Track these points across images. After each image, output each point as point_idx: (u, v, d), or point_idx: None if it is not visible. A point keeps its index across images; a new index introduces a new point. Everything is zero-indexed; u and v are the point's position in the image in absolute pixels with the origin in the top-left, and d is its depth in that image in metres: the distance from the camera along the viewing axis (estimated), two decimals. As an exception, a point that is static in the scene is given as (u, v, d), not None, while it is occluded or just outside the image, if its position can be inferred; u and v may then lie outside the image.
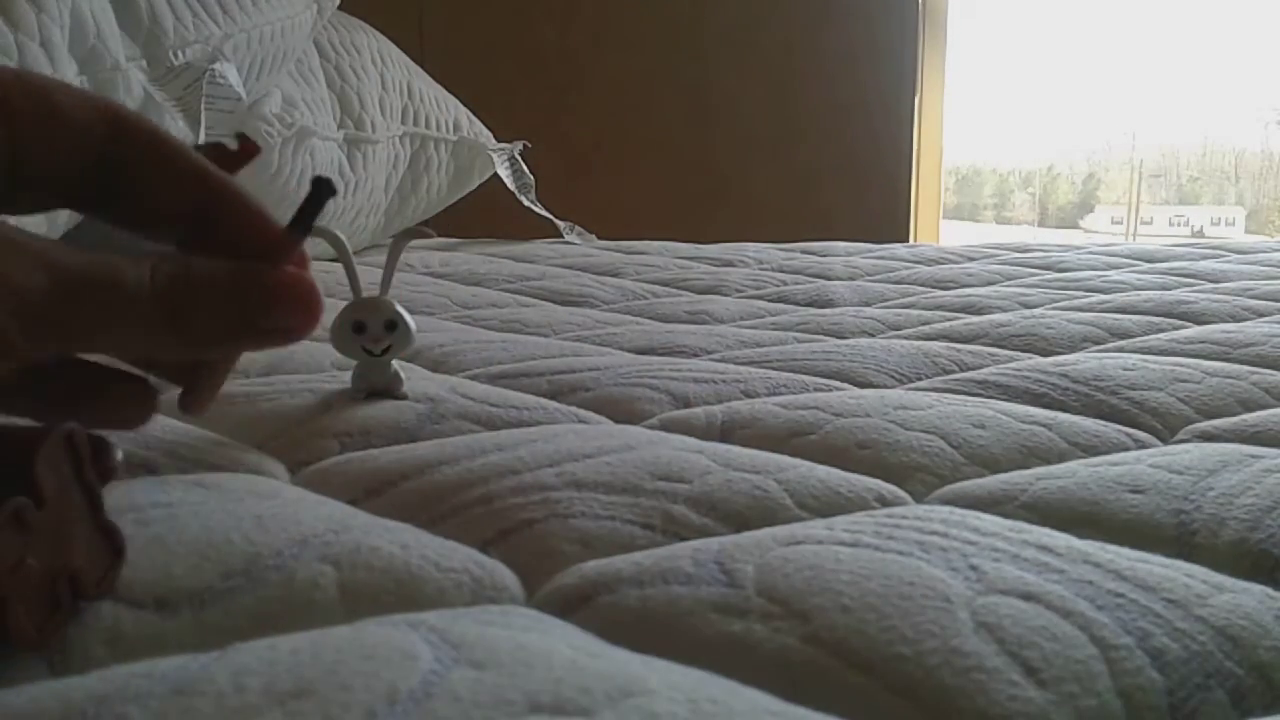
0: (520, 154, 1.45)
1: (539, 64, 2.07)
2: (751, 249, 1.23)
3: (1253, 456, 0.38)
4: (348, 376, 0.47)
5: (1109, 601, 0.26)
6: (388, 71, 1.27)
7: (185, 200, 0.29)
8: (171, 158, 0.29)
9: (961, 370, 0.57)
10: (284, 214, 0.30)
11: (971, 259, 1.13)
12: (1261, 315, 0.74)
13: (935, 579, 0.26)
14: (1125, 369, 0.53)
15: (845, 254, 1.18)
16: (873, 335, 0.69)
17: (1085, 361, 0.55)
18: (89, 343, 0.26)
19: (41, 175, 0.28)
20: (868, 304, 0.84)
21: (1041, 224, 3.51)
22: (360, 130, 1.16)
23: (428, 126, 1.31)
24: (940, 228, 2.23)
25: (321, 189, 0.30)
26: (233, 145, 0.34)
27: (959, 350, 0.61)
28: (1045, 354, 0.62)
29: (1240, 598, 0.27)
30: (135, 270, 0.26)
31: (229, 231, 0.29)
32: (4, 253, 0.24)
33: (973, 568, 0.27)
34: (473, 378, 0.54)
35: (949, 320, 0.73)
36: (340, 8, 1.20)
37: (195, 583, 0.26)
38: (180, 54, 0.81)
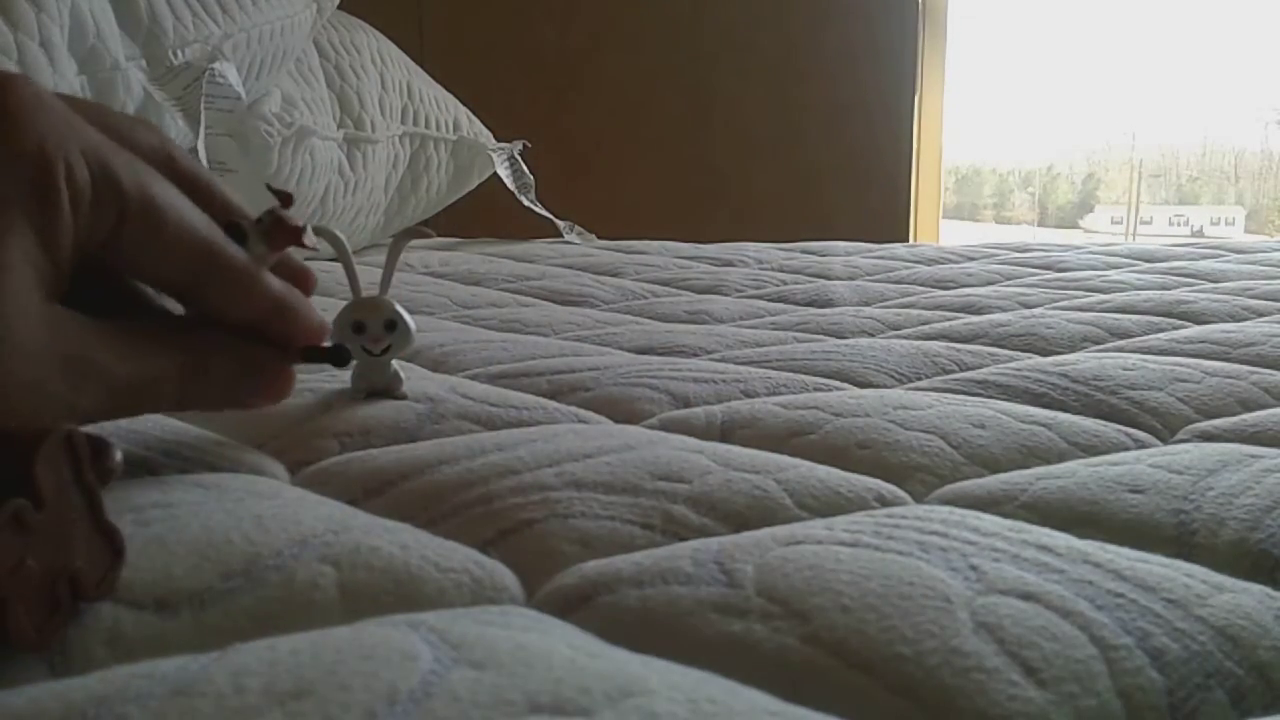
0: (520, 154, 1.45)
1: (539, 64, 2.07)
2: (751, 249, 1.23)
3: (1253, 456, 0.38)
4: (348, 376, 0.47)
5: (1109, 601, 0.26)
6: (388, 71, 1.27)
7: (250, 321, 0.35)
8: (248, 293, 0.34)
9: (961, 370, 0.57)
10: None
11: (971, 259, 1.13)
12: (1261, 315, 0.74)
13: (935, 579, 0.26)
14: (1125, 369, 0.53)
15: (845, 254, 1.19)
16: (873, 335, 0.69)
17: (1085, 361, 0.55)
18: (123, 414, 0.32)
19: (132, 268, 0.32)
20: (868, 304, 0.84)
21: (1041, 224, 3.51)
22: (360, 130, 1.16)
23: (427, 126, 1.31)
24: (940, 227, 2.23)
25: (340, 356, 0.38)
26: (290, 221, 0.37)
27: (959, 350, 0.61)
28: (1045, 354, 0.62)
29: (1240, 598, 0.27)
30: (166, 366, 0.32)
31: (280, 340, 0.36)
32: (78, 386, 0.28)
33: (973, 568, 0.27)
34: (472, 377, 0.54)
35: (949, 320, 0.73)
36: (340, 7, 1.20)
37: (195, 583, 0.26)
38: (180, 53, 0.81)
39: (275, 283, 0.35)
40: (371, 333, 0.44)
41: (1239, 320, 0.72)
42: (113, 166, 0.29)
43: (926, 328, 0.70)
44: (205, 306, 0.34)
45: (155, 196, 0.30)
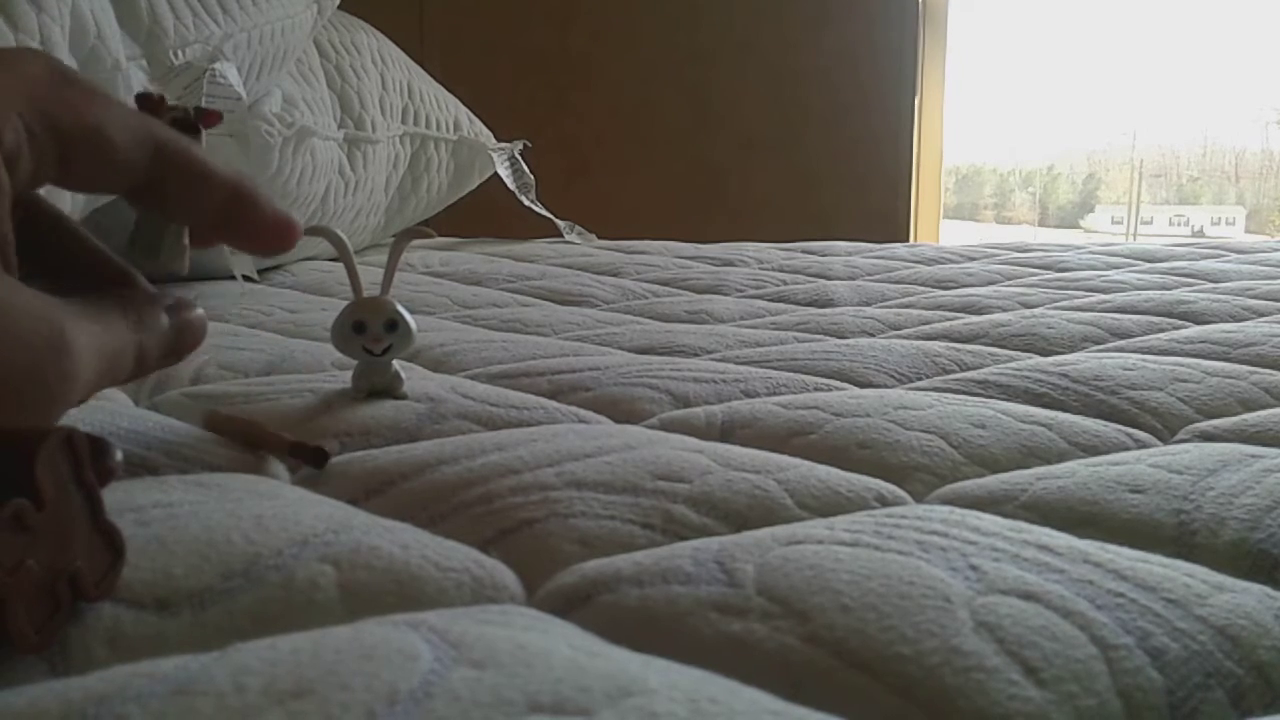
0: (520, 154, 1.45)
1: (539, 64, 2.07)
2: (751, 249, 1.23)
3: (1253, 456, 0.38)
4: (348, 376, 0.47)
5: (1109, 601, 0.26)
6: (388, 71, 1.27)
7: (211, 211, 0.34)
8: (204, 177, 0.33)
9: (961, 370, 0.57)
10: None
11: (971, 259, 1.13)
12: (1261, 315, 0.74)
13: (935, 579, 0.26)
14: (1125, 369, 0.53)
15: (845, 254, 1.19)
16: (873, 335, 0.69)
17: (1085, 361, 0.55)
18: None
19: (88, 190, 0.32)
20: (868, 304, 0.84)
21: (1041, 224, 3.51)
22: (360, 130, 1.16)
23: (428, 126, 1.31)
24: (940, 227, 2.23)
25: (319, 458, 0.38)
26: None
27: (959, 350, 0.61)
28: (1045, 354, 0.62)
29: (1240, 597, 0.27)
30: (134, 344, 0.32)
31: (248, 229, 0.35)
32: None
33: (973, 567, 0.27)
34: (473, 377, 0.54)
35: (949, 320, 0.73)
36: (340, 7, 1.20)
37: (195, 583, 0.26)
38: (180, 53, 0.81)
39: (228, 170, 0.34)
40: (372, 333, 0.44)
41: (1239, 320, 0.72)
42: (50, 111, 0.29)
43: (927, 328, 0.70)
44: (167, 204, 0.33)
45: (98, 122, 0.30)
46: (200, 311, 0.36)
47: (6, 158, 0.28)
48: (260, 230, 0.35)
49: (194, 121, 0.37)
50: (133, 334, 0.31)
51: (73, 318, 0.28)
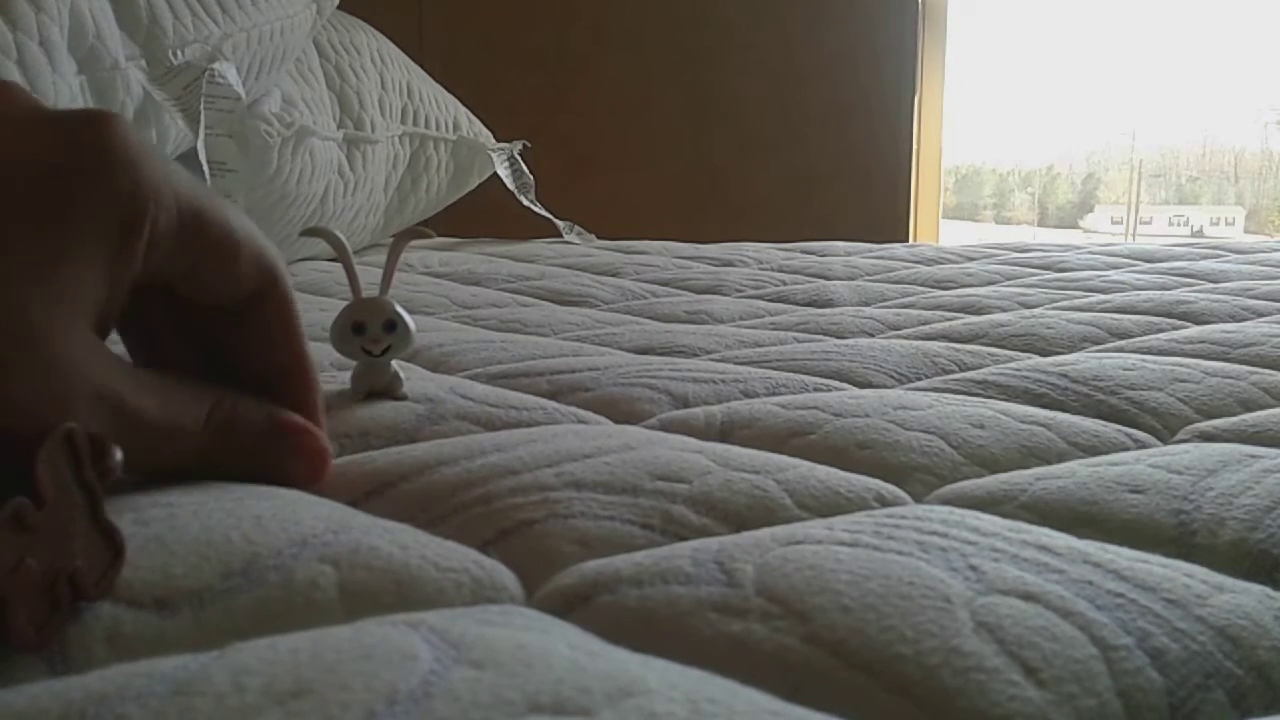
0: (520, 154, 1.45)
1: (539, 64, 2.07)
2: (751, 249, 1.23)
3: (1252, 456, 0.38)
4: (346, 377, 0.47)
5: (1109, 601, 0.26)
6: (387, 71, 1.27)
7: (268, 365, 0.35)
8: (290, 335, 0.35)
9: (961, 370, 0.57)
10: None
11: (971, 259, 1.13)
12: (1261, 315, 0.74)
13: (935, 579, 0.26)
14: (1125, 369, 0.53)
15: (845, 254, 1.19)
16: (872, 335, 0.69)
17: (1085, 361, 0.55)
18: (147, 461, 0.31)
19: (195, 300, 0.33)
20: (867, 304, 0.84)
21: (1041, 224, 3.51)
22: (360, 130, 1.16)
23: (427, 126, 1.31)
24: (940, 228, 2.23)
25: None
26: None
27: (958, 350, 0.61)
28: (1045, 354, 0.62)
29: (1240, 598, 0.27)
30: (194, 414, 0.32)
31: (287, 397, 0.35)
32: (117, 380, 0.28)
33: (972, 568, 0.27)
34: (472, 378, 0.53)
35: (948, 320, 0.73)
36: (340, 7, 1.20)
37: (195, 582, 0.26)
38: (179, 53, 0.81)
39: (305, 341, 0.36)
40: (371, 333, 0.44)
41: (1239, 320, 0.72)
42: (202, 207, 0.31)
43: (926, 328, 0.70)
44: (254, 328, 0.34)
45: (232, 227, 0.32)
46: (324, 447, 0.35)
47: (152, 241, 0.29)
48: (306, 398, 0.35)
49: None
50: (202, 409, 0.32)
51: (129, 376, 0.29)
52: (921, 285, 0.94)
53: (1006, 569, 0.27)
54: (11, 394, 0.26)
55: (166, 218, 0.29)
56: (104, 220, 0.28)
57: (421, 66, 1.41)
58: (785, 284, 0.95)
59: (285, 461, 0.34)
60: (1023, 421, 0.44)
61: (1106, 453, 0.41)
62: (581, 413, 0.46)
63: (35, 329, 0.26)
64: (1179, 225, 3.45)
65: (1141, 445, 0.43)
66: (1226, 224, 3.43)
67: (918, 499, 0.37)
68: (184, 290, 0.32)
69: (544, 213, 1.45)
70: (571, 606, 0.27)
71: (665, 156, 2.07)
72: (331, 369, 0.54)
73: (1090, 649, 0.24)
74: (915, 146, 2.07)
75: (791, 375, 0.54)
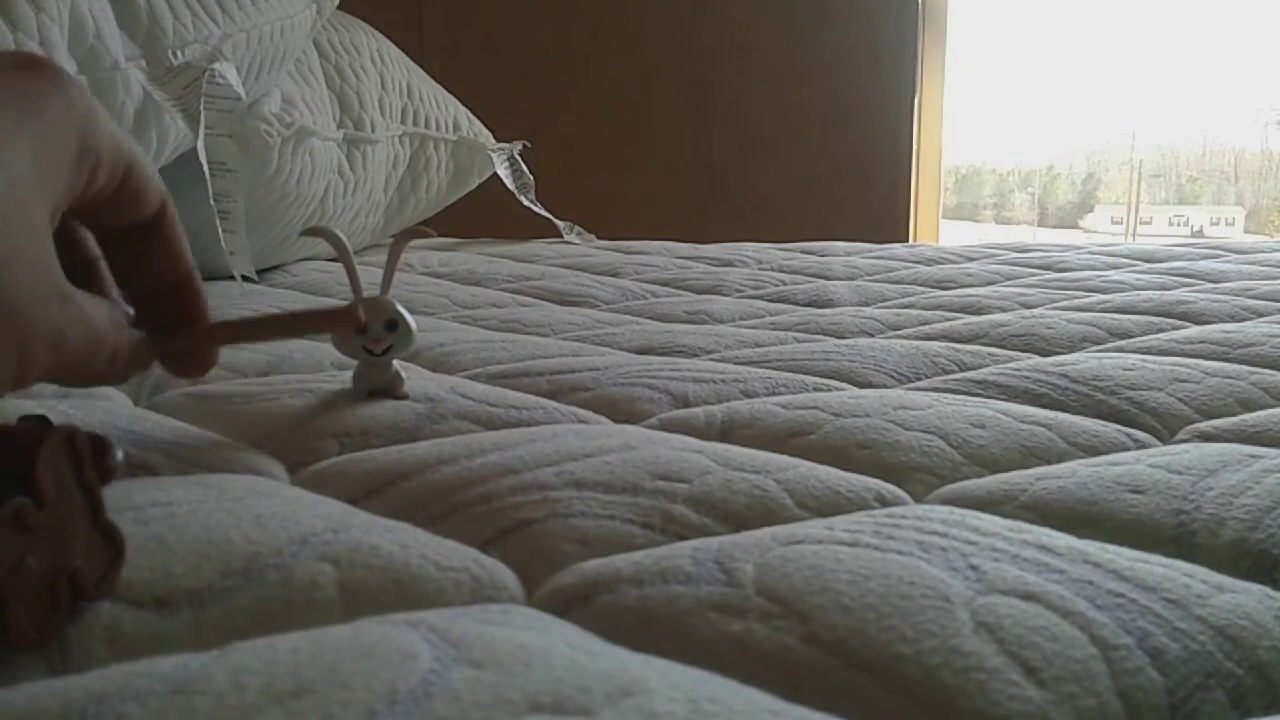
0: (520, 154, 1.45)
1: (539, 64, 2.07)
2: (751, 249, 1.23)
3: (1252, 456, 0.38)
4: (348, 376, 0.47)
5: (1109, 601, 0.26)
6: (387, 71, 1.27)
7: (163, 281, 0.36)
8: (175, 251, 0.36)
9: (961, 370, 0.57)
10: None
11: (971, 259, 1.13)
12: (1261, 315, 0.74)
13: (935, 579, 0.26)
14: (1125, 369, 0.53)
15: (845, 254, 1.19)
16: (872, 335, 0.69)
17: (1085, 361, 0.55)
18: (69, 379, 0.33)
19: (100, 227, 0.35)
20: (867, 304, 0.84)
21: (1041, 224, 3.51)
22: (360, 130, 1.16)
23: (427, 126, 1.31)
24: (940, 228, 2.23)
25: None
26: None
27: (958, 350, 0.61)
28: (1045, 354, 0.62)
29: (1240, 598, 0.27)
30: (116, 328, 0.33)
31: (176, 311, 0.37)
32: (69, 318, 0.29)
33: (972, 568, 0.27)
34: (472, 377, 0.53)
35: (948, 320, 0.73)
36: (340, 7, 1.20)
37: (195, 582, 0.26)
38: (179, 53, 0.81)
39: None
40: (372, 333, 0.44)
41: (1239, 320, 0.72)
42: (119, 141, 0.32)
43: (926, 328, 0.70)
44: (150, 251, 0.36)
45: (137, 153, 0.34)
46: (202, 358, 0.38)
47: (95, 165, 0.31)
48: (183, 316, 0.37)
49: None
50: (115, 336, 0.33)
51: (73, 310, 0.30)
52: (921, 285, 0.94)
53: (1006, 569, 0.27)
54: (13, 288, 0.26)
55: (108, 144, 0.31)
56: (68, 124, 0.29)
57: (421, 66, 1.41)
58: (785, 284, 0.95)
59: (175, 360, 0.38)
60: (1023, 421, 0.44)
61: (1106, 453, 0.41)
62: (581, 412, 0.46)
63: (36, 228, 0.27)
64: (1179, 225, 3.45)
65: (1141, 445, 0.43)
66: (1226, 224, 3.43)
67: (918, 499, 0.37)
68: (103, 218, 0.34)
69: (544, 213, 1.45)
70: (571, 606, 0.27)
71: (665, 156, 2.07)
72: (332, 368, 0.54)
73: (1090, 649, 0.24)
74: (915, 146, 2.07)
75: (791, 375, 0.54)
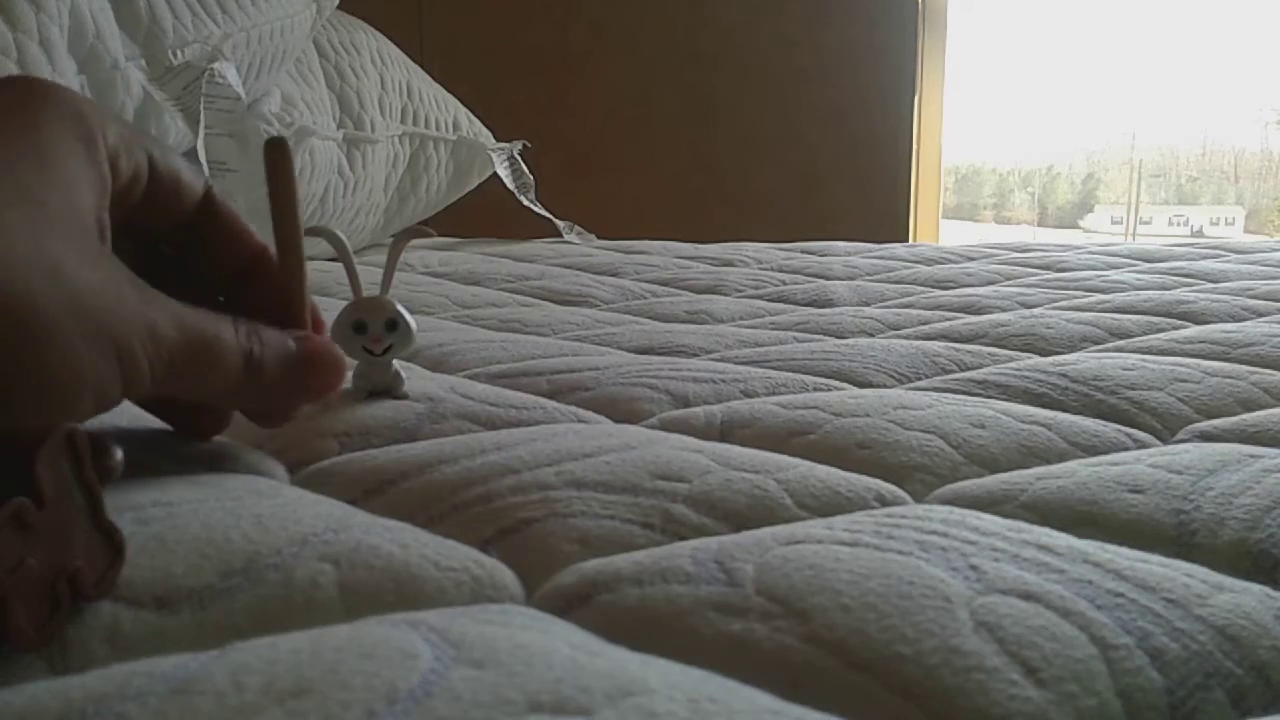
0: (520, 154, 1.45)
1: (539, 64, 2.07)
2: (751, 249, 1.23)
3: (1252, 456, 0.38)
4: (349, 376, 0.47)
5: (1109, 601, 0.26)
6: (387, 71, 1.27)
7: (238, 264, 0.36)
8: (238, 232, 0.36)
9: (961, 370, 0.57)
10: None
11: (971, 259, 1.13)
12: (1261, 315, 0.74)
13: (935, 578, 0.26)
14: (1125, 369, 0.53)
15: (845, 254, 1.19)
16: (872, 335, 0.69)
17: (1085, 361, 0.55)
18: (194, 385, 0.32)
19: (149, 231, 0.35)
20: (867, 304, 0.84)
21: (1041, 224, 3.51)
22: (360, 130, 1.16)
23: (427, 126, 1.31)
24: (940, 227, 2.23)
25: None
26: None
27: (958, 350, 0.61)
28: (1045, 354, 0.62)
29: (1240, 597, 0.27)
30: (226, 326, 0.32)
31: (264, 296, 0.36)
32: (155, 308, 0.29)
33: (972, 567, 0.27)
34: (472, 377, 0.53)
35: (948, 320, 0.73)
36: (340, 7, 1.20)
37: (195, 581, 0.26)
38: (179, 53, 0.81)
39: (259, 236, 0.37)
40: (372, 332, 0.44)
41: (1239, 320, 0.72)
42: (125, 129, 0.32)
43: (926, 328, 0.70)
44: (212, 240, 0.36)
45: (160, 149, 0.33)
46: (337, 354, 0.37)
47: (112, 154, 0.31)
48: (273, 300, 0.36)
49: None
50: (238, 339, 0.33)
51: (157, 302, 0.30)
52: (921, 285, 0.94)
53: (1006, 569, 0.27)
54: (77, 280, 0.26)
55: (114, 130, 0.31)
56: (64, 125, 0.29)
57: (421, 66, 1.41)
58: (785, 284, 0.95)
59: (311, 375, 0.36)
60: (1023, 421, 0.44)
61: (1106, 452, 0.41)
62: (581, 412, 0.46)
63: (63, 265, 0.27)
64: (1179, 225, 3.45)
65: (1141, 445, 0.43)
66: (1226, 224, 3.43)
67: (918, 499, 0.37)
68: (143, 218, 0.33)
69: (544, 213, 1.45)
70: (572, 605, 0.27)
71: (665, 156, 2.07)
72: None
73: (1090, 648, 0.24)
74: (915, 146, 2.07)
75: (791, 375, 0.54)
